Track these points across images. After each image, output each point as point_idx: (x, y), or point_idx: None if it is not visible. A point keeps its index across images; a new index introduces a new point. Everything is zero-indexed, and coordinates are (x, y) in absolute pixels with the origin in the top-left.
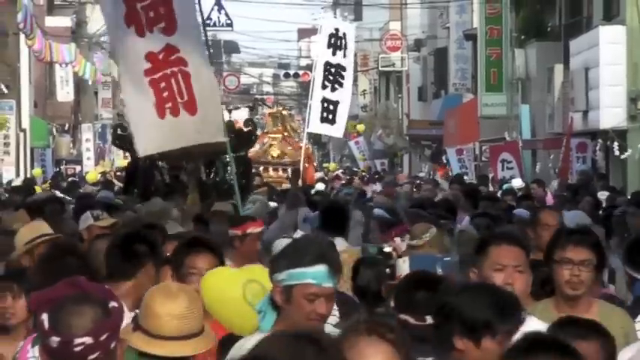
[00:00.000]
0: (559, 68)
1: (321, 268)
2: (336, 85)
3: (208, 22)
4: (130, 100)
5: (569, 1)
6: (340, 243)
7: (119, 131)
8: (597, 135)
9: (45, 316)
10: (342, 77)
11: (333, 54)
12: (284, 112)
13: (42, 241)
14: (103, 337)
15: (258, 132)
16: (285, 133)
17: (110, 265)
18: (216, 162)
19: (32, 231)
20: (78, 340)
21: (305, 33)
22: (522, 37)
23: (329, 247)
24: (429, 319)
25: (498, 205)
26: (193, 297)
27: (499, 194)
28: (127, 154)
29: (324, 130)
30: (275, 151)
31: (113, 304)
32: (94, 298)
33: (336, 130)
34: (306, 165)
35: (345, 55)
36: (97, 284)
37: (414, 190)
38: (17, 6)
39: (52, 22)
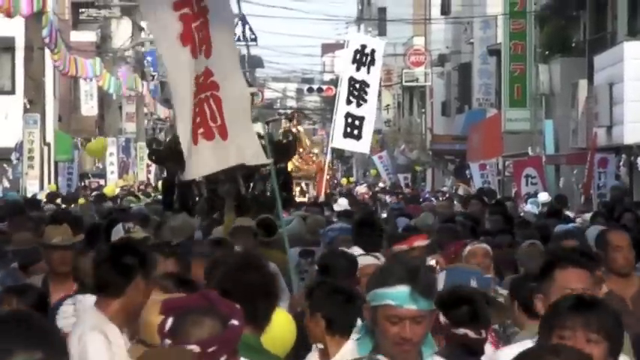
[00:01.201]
0: (583, 84)
1: (402, 289)
2: (361, 101)
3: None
4: (179, 125)
5: (594, 17)
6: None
7: (154, 146)
8: (621, 150)
9: (169, 320)
10: (367, 93)
11: (357, 69)
12: (300, 129)
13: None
14: (211, 349)
15: None
16: (300, 150)
17: (99, 278)
18: (254, 174)
19: None
20: (186, 347)
21: (329, 48)
22: (546, 52)
23: (416, 267)
24: (484, 333)
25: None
26: None
27: (525, 209)
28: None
29: (349, 145)
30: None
31: (234, 322)
32: (218, 312)
33: (362, 146)
34: (318, 179)
35: (369, 72)
36: (228, 301)
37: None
38: (43, 21)
39: (76, 36)
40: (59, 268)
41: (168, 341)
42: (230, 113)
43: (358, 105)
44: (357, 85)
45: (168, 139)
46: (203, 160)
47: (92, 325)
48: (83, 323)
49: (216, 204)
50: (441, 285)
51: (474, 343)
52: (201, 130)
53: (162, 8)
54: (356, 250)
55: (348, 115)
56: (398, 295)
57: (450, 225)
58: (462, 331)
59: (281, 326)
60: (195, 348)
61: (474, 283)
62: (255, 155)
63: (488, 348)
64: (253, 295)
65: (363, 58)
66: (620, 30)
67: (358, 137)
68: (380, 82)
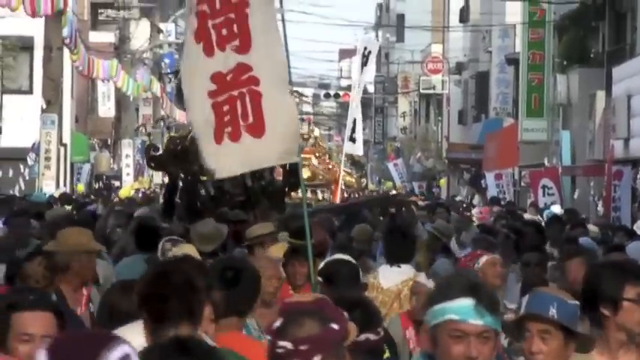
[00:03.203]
0: (601, 95)
1: (466, 302)
2: (355, 103)
3: None
4: (195, 124)
5: (613, 28)
6: (407, 270)
7: (152, 152)
8: (638, 163)
9: (279, 321)
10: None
11: (361, 72)
12: (316, 133)
13: None
14: (303, 347)
15: None
16: (317, 154)
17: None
18: None
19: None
20: (281, 343)
21: (346, 54)
22: (565, 62)
23: (477, 279)
24: (381, 331)
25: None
26: None
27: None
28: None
29: (349, 148)
30: (306, 173)
31: (333, 325)
32: (322, 315)
33: (356, 148)
34: (333, 187)
35: (362, 72)
36: (336, 307)
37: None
38: (62, 21)
39: (95, 37)
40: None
41: (268, 337)
42: (272, 108)
43: (356, 107)
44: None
45: (165, 143)
46: (225, 161)
47: None
48: None
49: (222, 202)
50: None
51: (375, 345)
52: (228, 129)
53: (189, 4)
54: (381, 263)
55: (354, 120)
56: (461, 308)
57: (486, 236)
58: (363, 337)
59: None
60: (287, 345)
61: (553, 312)
62: (287, 153)
63: None
64: (167, 301)
65: (363, 59)
66: None
67: (354, 140)
68: (396, 89)
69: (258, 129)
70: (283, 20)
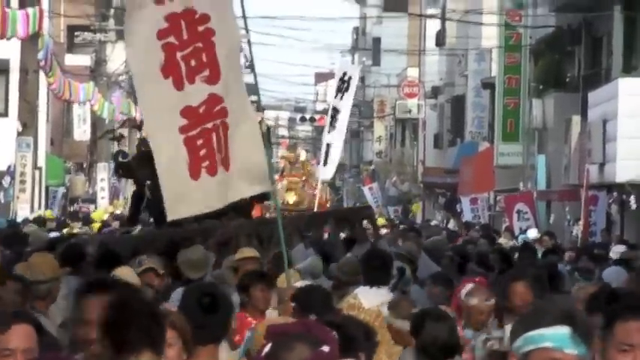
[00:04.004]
0: (576, 119)
1: (562, 330)
2: (331, 128)
3: None
4: (161, 161)
5: (589, 53)
6: (385, 292)
7: (120, 158)
8: (613, 188)
9: (268, 346)
10: (337, 120)
11: (340, 98)
12: (302, 157)
13: None
14: None
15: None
16: (304, 178)
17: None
18: None
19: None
20: None
21: (322, 77)
22: (540, 87)
23: (574, 307)
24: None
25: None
26: None
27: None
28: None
29: (321, 172)
30: (292, 197)
31: (324, 348)
32: (311, 338)
33: (326, 172)
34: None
35: (342, 98)
36: (325, 328)
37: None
38: (39, 44)
39: (71, 60)
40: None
41: None
42: (239, 140)
43: (329, 131)
44: (333, 113)
45: (136, 145)
46: (197, 198)
47: None
48: None
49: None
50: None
51: None
52: (205, 163)
53: (145, 35)
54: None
55: (327, 144)
56: (557, 336)
57: (476, 267)
58: None
59: None
60: None
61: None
62: (259, 182)
63: None
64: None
65: (342, 85)
66: (615, 66)
67: (325, 163)
68: (372, 113)
69: (227, 162)
70: (250, 44)
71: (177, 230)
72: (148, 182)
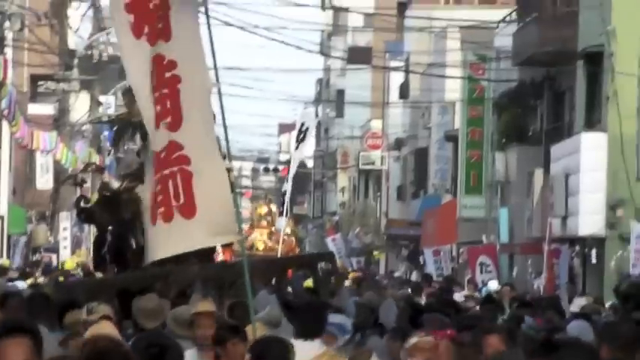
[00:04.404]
0: (539, 173)
1: None
2: (287, 178)
3: None
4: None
5: (551, 107)
6: (318, 345)
7: (82, 203)
8: (575, 241)
9: None
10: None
11: (296, 148)
12: (273, 209)
13: None
14: None
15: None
16: (273, 229)
17: None
18: None
19: None
20: None
21: (286, 128)
22: (503, 140)
23: None
24: None
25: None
26: None
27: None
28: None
29: (282, 223)
30: (261, 245)
31: None
32: None
33: (280, 221)
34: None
35: (297, 148)
36: None
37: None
38: (1, 93)
39: (34, 109)
40: None
41: None
42: (204, 187)
43: (287, 181)
44: (293, 163)
45: (97, 189)
46: (160, 242)
47: None
48: None
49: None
50: None
51: None
52: (161, 210)
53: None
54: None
55: (283, 194)
56: None
57: (436, 315)
58: None
59: None
60: None
61: None
62: (225, 232)
63: None
64: None
65: (300, 135)
66: (578, 121)
67: (286, 214)
68: (336, 164)
69: (189, 210)
70: (220, 94)
71: (134, 275)
72: (110, 228)
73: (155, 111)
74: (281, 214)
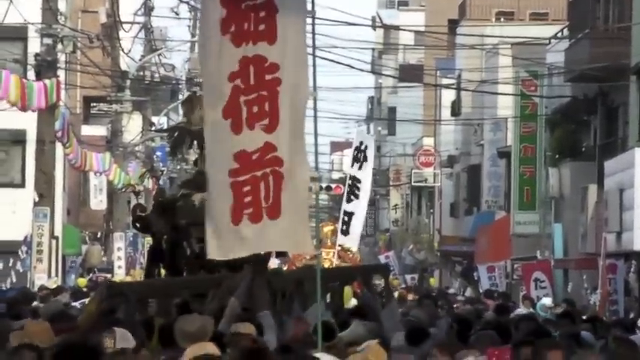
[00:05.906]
0: (593, 188)
1: None
2: (352, 197)
3: None
4: (210, 200)
5: (605, 122)
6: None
7: (138, 212)
8: (630, 256)
9: None
10: (359, 189)
11: (355, 167)
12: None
13: None
14: None
15: None
16: (339, 248)
17: None
18: None
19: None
20: None
21: (338, 146)
22: (556, 156)
23: None
24: None
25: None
26: None
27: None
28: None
29: (341, 241)
30: (327, 263)
31: None
32: None
33: (350, 241)
34: None
35: (360, 168)
36: None
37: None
38: (55, 115)
39: (87, 130)
40: None
41: None
42: (292, 190)
43: (349, 200)
44: (351, 182)
45: (153, 195)
46: (240, 242)
47: None
48: None
49: (205, 260)
50: None
51: None
52: (248, 211)
53: (218, 77)
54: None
55: (345, 212)
56: None
57: (489, 332)
58: None
59: None
60: None
61: None
62: (300, 240)
63: None
64: None
65: (359, 155)
66: (632, 136)
67: (346, 233)
68: (388, 182)
69: (274, 211)
70: (315, 101)
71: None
72: (165, 236)
73: (250, 111)
74: (343, 232)
